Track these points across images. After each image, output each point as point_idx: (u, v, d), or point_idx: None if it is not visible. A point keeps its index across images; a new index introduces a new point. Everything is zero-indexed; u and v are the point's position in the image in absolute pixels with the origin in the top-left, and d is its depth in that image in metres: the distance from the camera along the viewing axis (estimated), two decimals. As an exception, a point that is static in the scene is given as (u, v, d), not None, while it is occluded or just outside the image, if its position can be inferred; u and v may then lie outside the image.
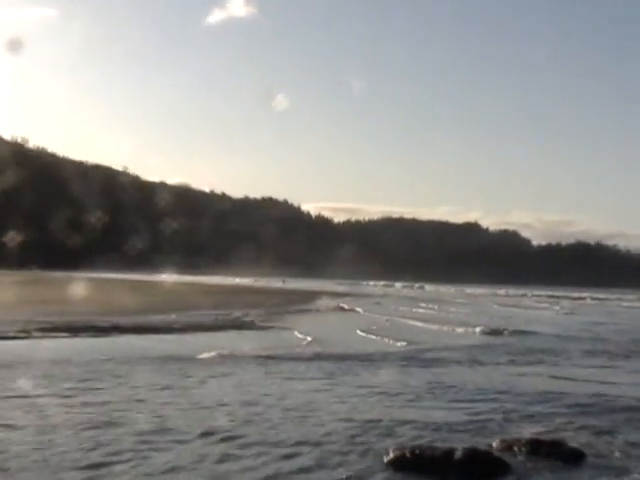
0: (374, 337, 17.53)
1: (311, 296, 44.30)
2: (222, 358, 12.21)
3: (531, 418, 7.89)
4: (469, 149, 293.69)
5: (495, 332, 19.50)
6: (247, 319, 22.30)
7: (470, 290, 74.82)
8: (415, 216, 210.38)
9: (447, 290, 76.15)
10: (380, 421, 7.46)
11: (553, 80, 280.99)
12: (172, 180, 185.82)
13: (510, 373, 11.91)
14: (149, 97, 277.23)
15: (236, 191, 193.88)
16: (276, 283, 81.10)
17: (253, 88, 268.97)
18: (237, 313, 24.39)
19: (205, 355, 12.43)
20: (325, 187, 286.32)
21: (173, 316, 21.71)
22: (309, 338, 16.35)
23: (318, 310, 30.83)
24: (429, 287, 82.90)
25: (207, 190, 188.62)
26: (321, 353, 13.38)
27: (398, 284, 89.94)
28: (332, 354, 13.29)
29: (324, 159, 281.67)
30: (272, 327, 19.91)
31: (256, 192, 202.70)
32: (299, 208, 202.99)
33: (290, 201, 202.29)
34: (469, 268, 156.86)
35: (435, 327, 21.21)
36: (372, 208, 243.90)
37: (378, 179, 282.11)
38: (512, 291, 72.27)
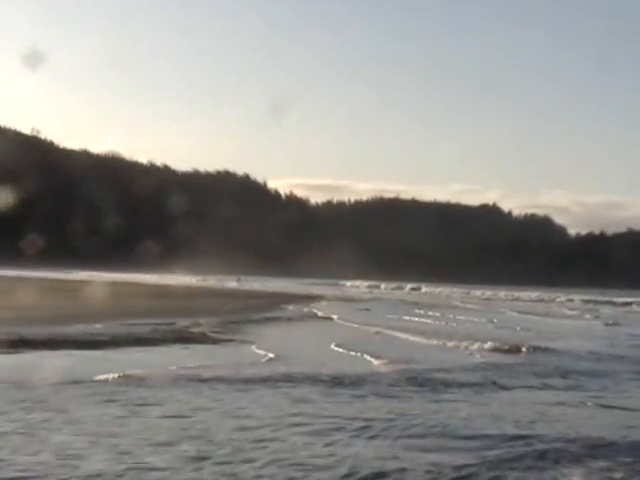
0: (354, 354, 17.66)
1: (277, 300, 45.13)
2: (142, 381, 12.13)
3: (571, 461, 7.79)
4: (487, 110, 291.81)
5: (514, 349, 19.56)
6: (196, 330, 22.74)
7: (480, 292, 75.44)
8: (416, 196, 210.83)
9: (452, 292, 76.72)
10: (356, 471, 7.10)
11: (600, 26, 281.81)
12: (97, 148, 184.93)
13: (540, 401, 11.87)
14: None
15: (184, 164, 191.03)
16: (230, 283, 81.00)
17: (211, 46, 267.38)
18: (183, 322, 24.75)
19: (121, 378, 12.31)
20: (298, 158, 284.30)
21: (98, 326, 22.09)
22: (271, 355, 16.61)
23: (289, 319, 31.31)
24: (428, 288, 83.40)
25: (144, 161, 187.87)
26: (283, 374, 13.43)
27: (390, 284, 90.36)
28: (297, 375, 13.29)
29: (296, 122, 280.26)
30: (229, 340, 20.34)
31: (209, 165, 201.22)
32: (265, 185, 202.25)
33: (253, 176, 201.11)
34: (485, 264, 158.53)
35: (435, 341, 21.43)
36: (359, 186, 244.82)
37: (367, 148, 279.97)
38: (538, 294, 72.69)
